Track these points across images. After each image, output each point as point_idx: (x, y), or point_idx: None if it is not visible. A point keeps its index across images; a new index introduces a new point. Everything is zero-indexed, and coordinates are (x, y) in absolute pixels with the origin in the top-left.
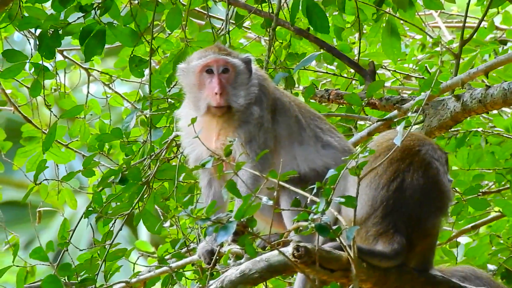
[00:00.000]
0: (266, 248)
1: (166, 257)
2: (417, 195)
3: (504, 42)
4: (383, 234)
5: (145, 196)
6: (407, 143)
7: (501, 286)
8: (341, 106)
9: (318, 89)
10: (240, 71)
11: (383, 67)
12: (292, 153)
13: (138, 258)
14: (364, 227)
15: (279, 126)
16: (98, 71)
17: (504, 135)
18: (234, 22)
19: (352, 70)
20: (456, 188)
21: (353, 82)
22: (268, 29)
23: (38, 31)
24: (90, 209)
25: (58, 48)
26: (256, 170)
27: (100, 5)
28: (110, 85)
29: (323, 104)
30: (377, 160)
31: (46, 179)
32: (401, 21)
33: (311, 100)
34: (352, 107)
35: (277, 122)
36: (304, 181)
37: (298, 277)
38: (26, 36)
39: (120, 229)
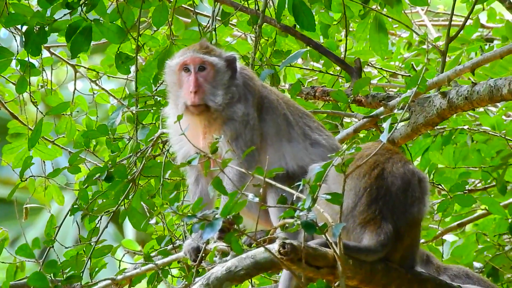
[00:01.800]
0: (252, 245)
1: (152, 254)
2: (398, 182)
3: (490, 41)
4: (371, 221)
5: (131, 193)
6: (388, 147)
7: (492, 286)
8: (327, 103)
9: (304, 86)
10: (219, 69)
11: (370, 64)
12: (280, 150)
13: (124, 255)
14: (351, 218)
15: (267, 124)
16: (85, 67)
17: (490, 133)
18: (220, 19)
19: (339, 68)
20: (442, 186)
21: (339, 79)
22: (254, 27)
23: (25, 27)
24: (75, 206)
25: (45, 45)
26: (242, 168)
27: (86, 2)
28: (97, 82)
29: (309, 101)
30: (359, 160)
31: (32, 176)
32: (389, 19)
33: (297, 97)
34: (338, 104)
35: (264, 120)
36: (292, 178)
37: (284, 274)
38: (12, 32)
39: (106, 226)
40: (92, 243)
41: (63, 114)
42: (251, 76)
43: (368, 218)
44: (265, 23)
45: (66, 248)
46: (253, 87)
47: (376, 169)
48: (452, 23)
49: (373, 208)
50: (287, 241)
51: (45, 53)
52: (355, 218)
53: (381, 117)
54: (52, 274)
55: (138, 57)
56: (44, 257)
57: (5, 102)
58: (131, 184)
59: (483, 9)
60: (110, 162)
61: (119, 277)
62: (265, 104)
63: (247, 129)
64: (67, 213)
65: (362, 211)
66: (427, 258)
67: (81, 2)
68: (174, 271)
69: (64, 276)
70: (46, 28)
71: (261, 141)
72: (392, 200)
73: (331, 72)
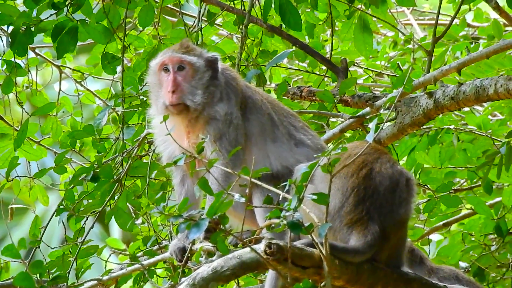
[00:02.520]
0: (238, 245)
1: (138, 254)
2: (386, 182)
3: (476, 39)
4: (358, 222)
5: (117, 193)
6: (377, 147)
7: (477, 285)
8: (313, 103)
9: (290, 86)
10: (198, 68)
11: (356, 64)
12: (264, 150)
13: (110, 256)
14: (338, 218)
15: (251, 123)
16: (70, 68)
17: (476, 132)
18: (206, 19)
19: (325, 67)
20: (428, 186)
21: (326, 79)
22: (240, 26)
23: (11, 28)
24: (61, 207)
25: (31, 45)
26: (227, 167)
27: (72, 2)
28: (82, 83)
29: (295, 101)
30: (347, 159)
31: (18, 176)
32: (374, 18)
33: (283, 97)
34: (325, 104)
35: (248, 119)
36: (277, 178)
37: (269, 274)
38: None
39: (92, 227)
40: (78, 244)
41: (49, 114)
42: (234, 76)
43: (355, 218)
44: (251, 23)
45: (52, 248)
46: (235, 87)
47: (364, 168)
48: (438, 22)
49: (360, 209)
50: (273, 241)
51: (31, 54)
52: (342, 218)
53: (367, 117)
54: (38, 275)
55: (124, 57)
56: (30, 257)
57: None
58: (117, 184)
59: (470, 10)
60: (96, 163)
61: (105, 277)
62: (249, 104)
63: (231, 128)
64: (53, 214)
65: (349, 212)
66: (421, 259)
67: (67, 2)
68: (160, 272)
69: (50, 276)
70: (32, 29)
71: (245, 140)
72: (380, 200)
73: (317, 72)
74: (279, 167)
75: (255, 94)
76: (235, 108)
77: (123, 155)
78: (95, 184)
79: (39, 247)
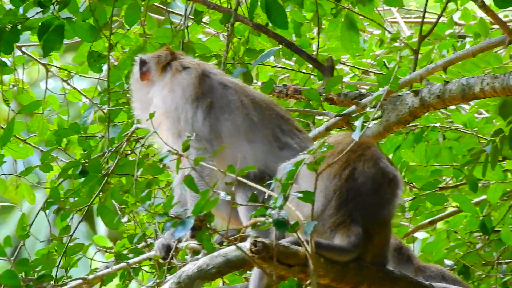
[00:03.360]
0: (224, 244)
1: (124, 252)
2: (369, 183)
3: (462, 38)
4: (340, 225)
5: (105, 190)
6: (359, 140)
7: (463, 284)
8: (299, 101)
9: (276, 84)
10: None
11: (342, 62)
12: (240, 151)
13: (95, 254)
14: (321, 221)
15: (220, 123)
16: (57, 67)
17: (462, 130)
18: (193, 17)
19: (311, 66)
20: (414, 184)
21: (312, 77)
22: (226, 25)
23: None
24: (50, 200)
25: (17, 44)
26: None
27: (59, 1)
28: (69, 81)
29: (282, 99)
30: (332, 156)
31: (4, 174)
32: (360, 17)
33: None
34: (311, 102)
35: (218, 119)
36: (254, 181)
37: (254, 273)
38: None
39: (79, 223)
40: (64, 242)
41: (35, 113)
42: (194, 75)
43: (338, 222)
44: (237, 22)
45: (41, 241)
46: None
47: (346, 169)
48: (425, 20)
49: (342, 212)
50: (259, 239)
51: (17, 52)
52: (325, 222)
53: (353, 115)
54: (23, 273)
55: (110, 56)
56: (15, 255)
57: None
58: (104, 180)
59: (457, 9)
60: (84, 158)
61: (91, 276)
62: (219, 103)
63: (186, 125)
64: (39, 211)
65: (332, 215)
66: (408, 257)
67: (53, 0)
68: (146, 268)
69: (36, 274)
70: (19, 27)
71: (215, 138)
72: (362, 202)
73: (303, 70)
74: (256, 170)
75: (232, 94)
76: (189, 105)
77: (111, 151)
78: (84, 179)
79: (24, 244)
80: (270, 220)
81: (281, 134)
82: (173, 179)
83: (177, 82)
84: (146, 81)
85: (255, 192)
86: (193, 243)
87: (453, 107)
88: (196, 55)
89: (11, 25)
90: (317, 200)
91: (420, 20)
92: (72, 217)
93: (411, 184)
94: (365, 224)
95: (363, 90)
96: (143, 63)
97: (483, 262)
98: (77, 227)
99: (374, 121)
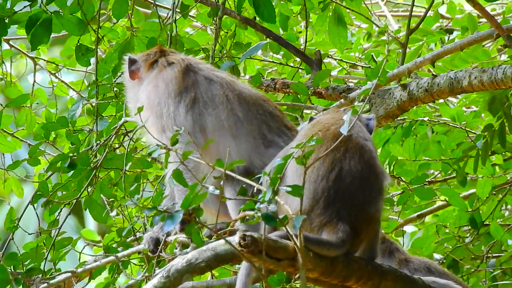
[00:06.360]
0: (213, 237)
1: (113, 245)
2: (357, 182)
3: (450, 31)
4: (327, 224)
5: (93, 183)
6: (336, 131)
7: (453, 278)
8: (287, 95)
9: (264, 78)
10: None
11: (330, 56)
12: (224, 146)
13: (84, 248)
14: (308, 219)
15: (205, 118)
16: (45, 60)
17: (451, 124)
18: (180, 11)
19: (299, 59)
20: (402, 178)
21: (300, 71)
22: (214, 18)
23: None
24: (39, 193)
25: (4, 37)
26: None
27: None
28: (56, 74)
29: (269, 93)
30: (320, 150)
31: None
32: (348, 10)
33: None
34: (299, 96)
35: (202, 114)
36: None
37: (242, 268)
38: None
39: (67, 216)
40: (52, 235)
41: (23, 106)
42: (179, 69)
43: (325, 221)
44: (225, 15)
45: (29, 234)
46: (178, 79)
47: (333, 171)
48: (413, 13)
49: (330, 211)
50: (248, 233)
51: (5, 45)
52: (312, 220)
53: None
54: (12, 267)
55: (98, 49)
56: (4, 249)
57: None
58: (93, 173)
59: (443, 3)
60: (72, 152)
61: (79, 269)
62: (203, 98)
63: (168, 119)
64: (27, 205)
65: (319, 214)
66: (390, 251)
67: None
68: (135, 262)
69: (25, 268)
70: (6, 20)
71: (200, 132)
72: (350, 201)
73: (291, 64)
74: (241, 167)
75: (217, 89)
76: (171, 100)
77: (100, 144)
78: (73, 172)
79: (13, 238)
80: (259, 214)
81: (267, 131)
82: (161, 172)
83: (162, 77)
84: (137, 80)
85: (244, 186)
86: (182, 237)
87: (441, 101)
88: (184, 48)
89: None
90: (305, 202)
91: (407, 13)
92: (61, 211)
93: (400, 178)
94: (353, 221)
95: (351, 84)
96: (132, 62)
97: (472, 256)
98: (65, 220)
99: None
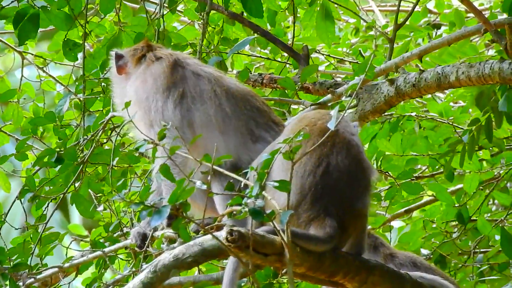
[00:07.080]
0: (200, 233)
1: (100, 241)
2: (344, 177)
3: (437, 26)
4: (315, 219)
5: (80, 179)
6: (323, 126)
7: (439, 273)
8: (275, 90)
9: (251, 73)
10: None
11: (317, 51)
12: (212, 142)
13: (71, 243)
14: (295, 215)
15: (193, 113)
16: (32, 54)
17: (438, 119)
18: (168, 6)
19: (286, 54)
20: (390, 173)
21: (287, 66)
22: (202, 14)
23: None
24: (26, 188)
25: None
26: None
27: None
28: (44, 69)
29: (257, 88)
30: (307, 145)
31: None
32: (335, 5)
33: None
34: (286, 91)
35: (190, 109)
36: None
37: (229, 263)
38: None
39: (54, 210)
40: (39, 230)
41: (10, 101)
42: (165, 65)
43: (312, 216)
44: (212, 10)
45: (16, 229)
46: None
47: (321, 166)
48: (400, 8)
49: (317, 206)
50: (235, 228)
51: None
52: (299, 216)
53: (329, 104)
54: None
55: (86, 44)
56: None
57: None
58: (81, 167)
59: None
60: (60, 146)
61: (66, 265)
62: (191, 93)
63: (156, 114)
64: (14, 200)
65: (307, 209)
66: (375, 246)
67: None
68: (122, 257)
69: (11, 263)
70: None
71: (188, 127)
72: (338, 196)
73: (278, 59)
74: (227, 162)
75: (205, 84)
76: (159, 95)
77: (87, 139)
78: (60, 167)
79: None
80: (246, 209)
81: (255, 126)
82: (149, 166)
83: (150, 72)
84: (124, 75)
85: (231, 181)
86: (169, 232)
87: (429, 96)
88: (172, 44)
89: None
90: (292, 197)
91: (395, 8)
92: (47, 206)
93: (387, 173)
94: (340, 216)
95: (338, 79)
96: (119, 57)
97: (460, 252)
98: (51, 215)
99: (350, 110)
